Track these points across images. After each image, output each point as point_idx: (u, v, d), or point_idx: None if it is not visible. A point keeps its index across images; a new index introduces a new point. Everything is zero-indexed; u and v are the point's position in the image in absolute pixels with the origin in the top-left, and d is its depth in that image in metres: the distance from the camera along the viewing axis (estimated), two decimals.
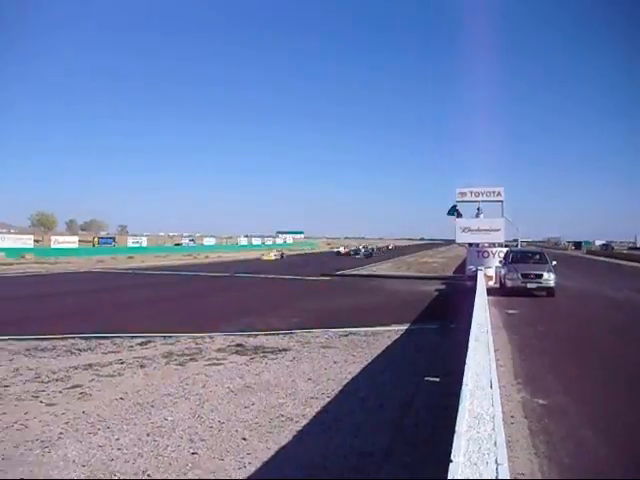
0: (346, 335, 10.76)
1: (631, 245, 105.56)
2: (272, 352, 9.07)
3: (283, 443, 4.98)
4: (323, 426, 5.49)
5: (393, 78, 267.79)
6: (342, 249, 64.89)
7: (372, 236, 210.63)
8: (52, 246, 49.23)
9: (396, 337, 10.63)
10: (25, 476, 4.24)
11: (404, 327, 11.72)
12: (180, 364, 8.12)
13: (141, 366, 7.95)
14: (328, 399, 6.40)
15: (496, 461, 2.74)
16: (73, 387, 6.82)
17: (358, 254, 57.28)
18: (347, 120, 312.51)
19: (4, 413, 5.74)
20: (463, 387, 3.93)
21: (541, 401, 6.33)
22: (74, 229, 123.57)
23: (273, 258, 49.47)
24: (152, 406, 6.05)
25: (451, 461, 2.65)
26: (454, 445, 2.78)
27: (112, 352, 8.97)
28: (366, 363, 8.35)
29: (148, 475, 4.29)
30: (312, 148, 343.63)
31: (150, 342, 9.79)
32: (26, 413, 5.77)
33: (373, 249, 66.03)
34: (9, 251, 42.63)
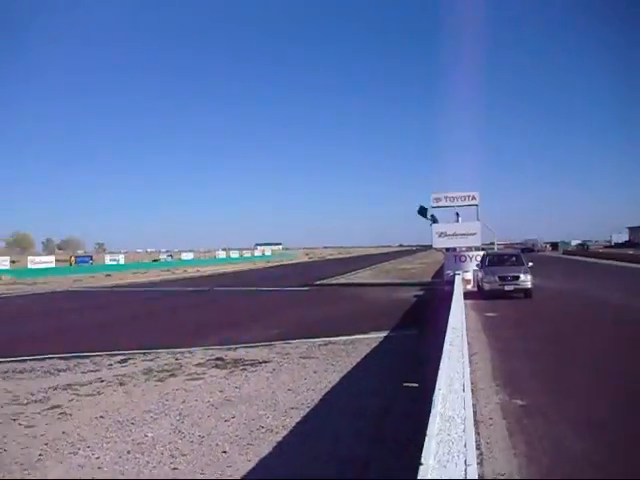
0: (325, 345, 10.84)
1: (606, 244, 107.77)
2: (252, 364, 9.10)
3: (263, 455, 5.05)
4: (303, 436, 5.58)
5: (362, 80, 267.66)
6: None
7: (351, 244, 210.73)
8: (29, 266, 48.26)
9: (375, 345, 10.76)
10: None
11: (383, 334, 11.85)
12: (160, 380, 8.11)
13: (121, 384, 7.92)
14: (308, 409, 6.47)
15: (465, 462, 2.85)
16: (52, 408, 6.77)
17: None
18: (321, 126, 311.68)
19: None
20: (436, 391, 4.05)
21: (520, 402, 6.48)
22: (51, 248, 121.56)
23: None
24: (132, 423, 6.05)
25: (421, 464, 2.76)
26: (425, 448, 2.88)
27: (91, 371, 8.90)
28: (345, 372, 8.44)
29: None
30: (288, 158, 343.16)
31: (130, 359, 9.74)
32: (4, 436, 5.73)
33: None
34: None
